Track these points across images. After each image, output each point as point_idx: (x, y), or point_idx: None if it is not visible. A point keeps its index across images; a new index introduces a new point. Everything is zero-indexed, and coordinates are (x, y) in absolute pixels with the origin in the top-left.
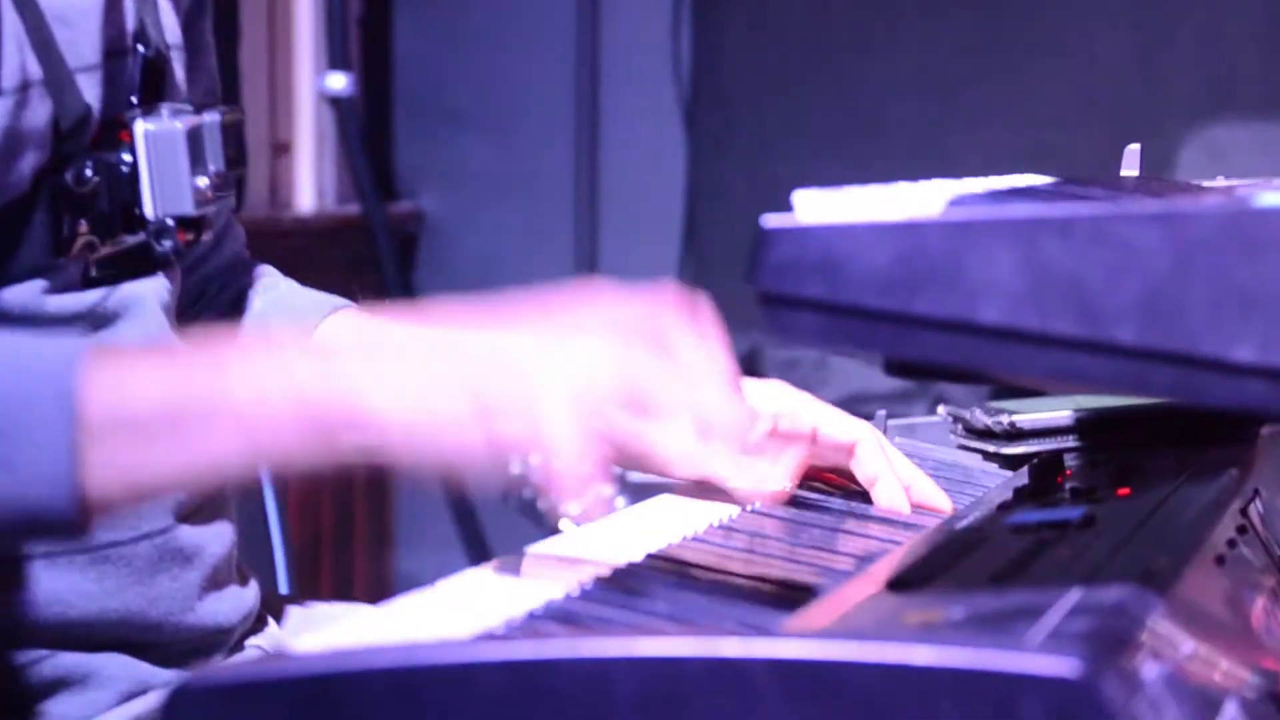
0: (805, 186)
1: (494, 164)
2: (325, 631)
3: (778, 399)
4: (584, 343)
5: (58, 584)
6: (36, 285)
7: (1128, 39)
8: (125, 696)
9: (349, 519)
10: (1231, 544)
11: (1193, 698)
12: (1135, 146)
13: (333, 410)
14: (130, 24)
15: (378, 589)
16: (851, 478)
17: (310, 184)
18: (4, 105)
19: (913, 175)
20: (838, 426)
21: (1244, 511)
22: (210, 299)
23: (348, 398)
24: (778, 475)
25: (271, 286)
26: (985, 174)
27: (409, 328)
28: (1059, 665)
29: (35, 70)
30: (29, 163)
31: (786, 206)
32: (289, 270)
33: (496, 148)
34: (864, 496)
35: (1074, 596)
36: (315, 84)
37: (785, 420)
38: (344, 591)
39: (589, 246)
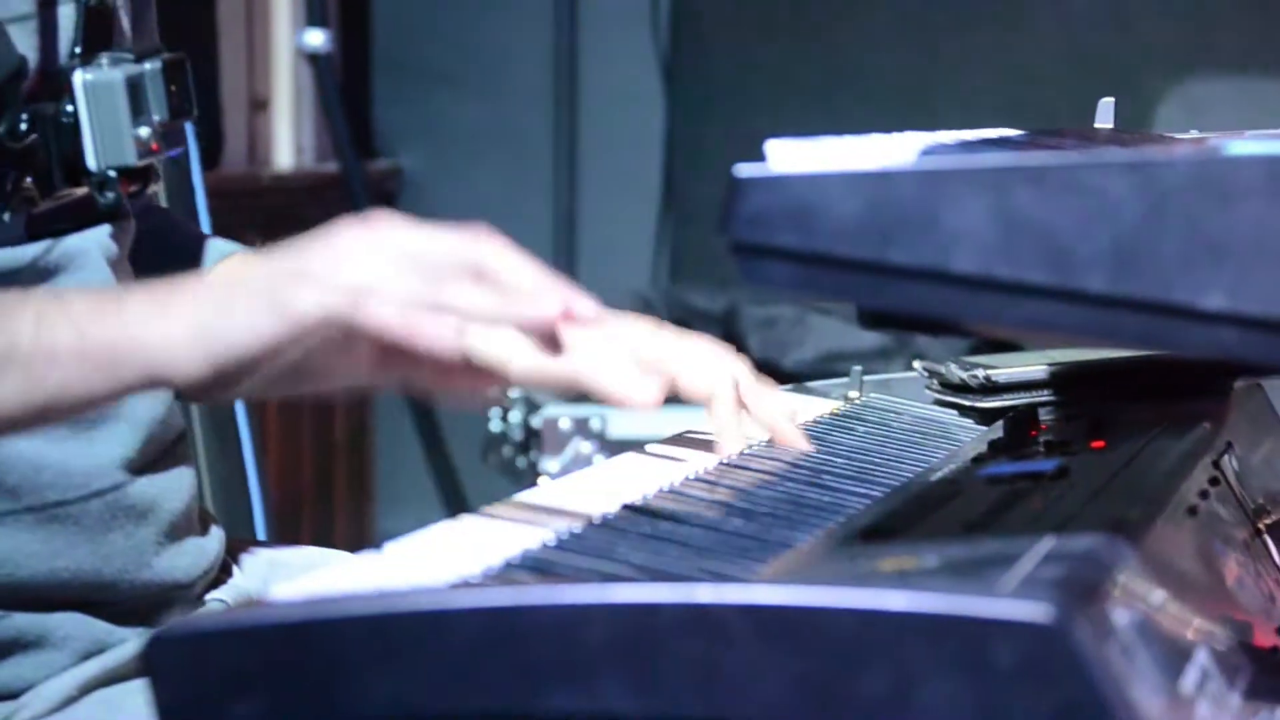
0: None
1: (473, 121)
2: (302, 579)
3: (643, 335)
4: (373, 235)
5: (4, 545)
6: None
7: None
8: (82, 656)
9: (329, 476)
10: (1204, 495)
11: (1163, 645)
12: (1109, 100)
13: (117, 351)
14: None
15: (357, 545)
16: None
17: (289, 141)
18: None
19: (893, 128)
20: (697, 377)
21: (1216, 464)
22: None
23: (130, 338)
24: (647, 385)
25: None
26: (965, 127)
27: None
28: (1031, 610)
29: None
30: None
31: (763, 158)
32: (267, 226)
33: (475, 105)
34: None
35: (1046, 545)
36: (294, 40)
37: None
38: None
39: (568, 203)
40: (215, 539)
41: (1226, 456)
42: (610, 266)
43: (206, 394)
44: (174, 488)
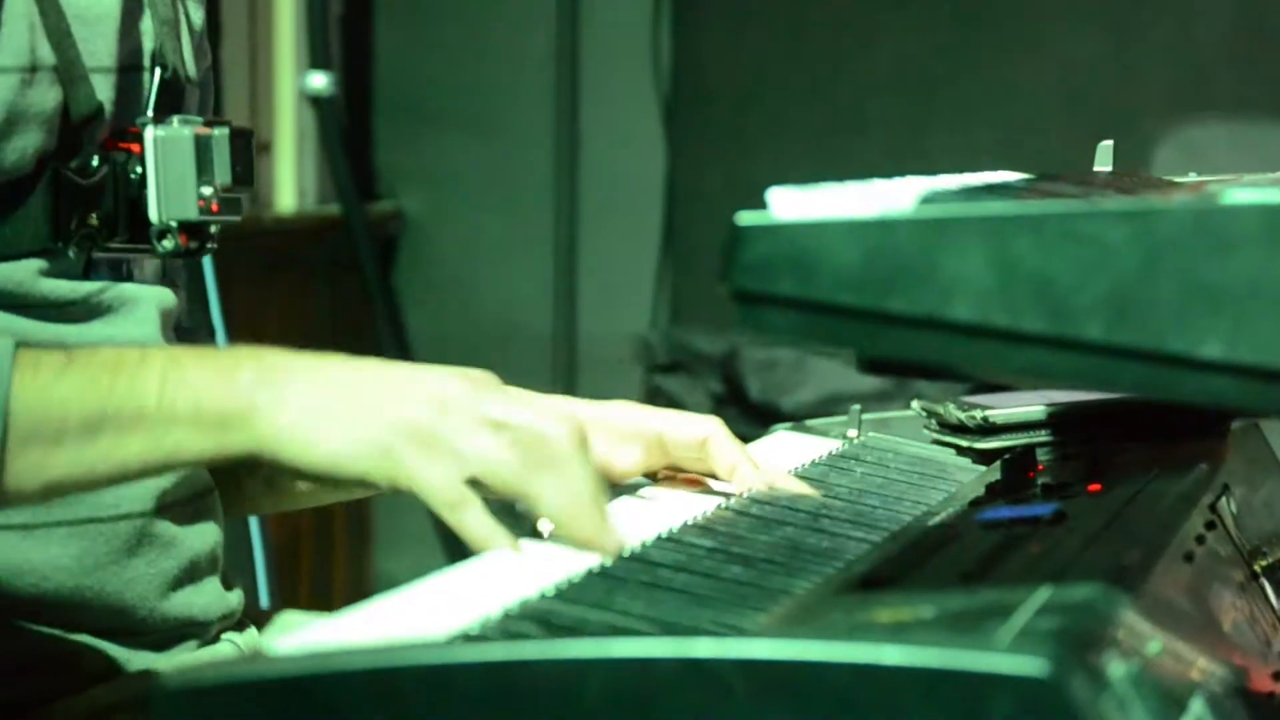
0: (784, 185)
1: (474, 164)
2: (304, 631)
3: (620, 415)
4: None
5: (34, 556)
6: (33, 265)
7: (1103, 38)
8: (97, 679)
9: (328, 517)
10: (1200, 540)
11: (1160, 695)
12: (1108, 143)
13: (230, 421)
14: (149, 43)
15: (356, 587)
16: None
17: (291, 183)
18: (8, 81)
19: (892, 173)
20: (684, 426)
21: (1213, 507)
22: None
23: (243, 411)
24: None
25: None
26: (964, 170)
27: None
28: (1027, 665)
29: (47, 56)
30: (30, 143)
31: (765, 205)
32: (269, 269)
33: (477, 148)
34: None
35: (1043, 594)
36: (296, 83)
37: (628, 429)
38: (323, 587)
39: (569, 246)
40: (237, 596)
41: (1224, 499)
42: (610, 309)
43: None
44: (198, 532)
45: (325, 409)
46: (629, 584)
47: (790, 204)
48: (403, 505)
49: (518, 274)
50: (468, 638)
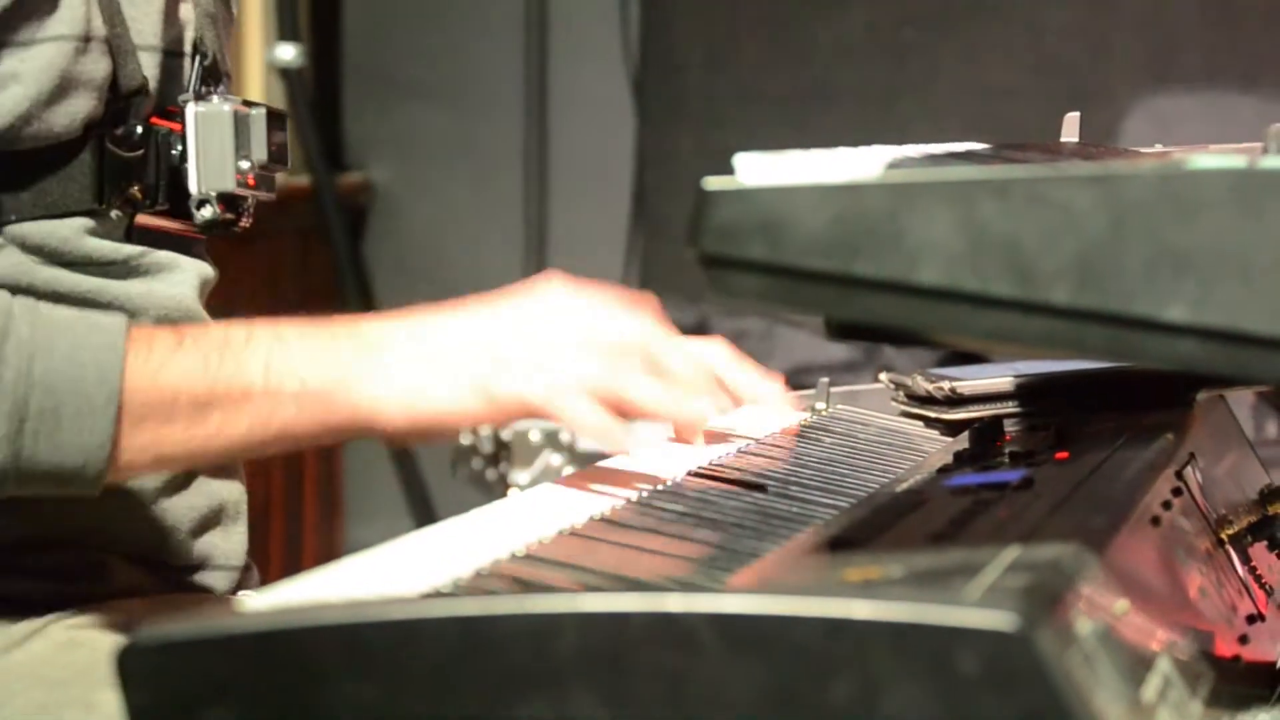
0: (754, 152)
1: (444, 134)
2: (274, 589)
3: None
4: (566, 320)
5: None
6: (79, 224)
7: (1074, 8)
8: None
9: (298, 487)
10: (1167, 505)
11: (1126, 654)
12: (1075, 114)
13: (333, 396)
14: (190, 31)
15: (326, 556)
16: None
17: None
18: (64, 48)
19: (862, 142)
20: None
21: (1179, 474)
22: None
23: (344, 385)
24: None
25: None
26: (933, 140)
27: (393, 321)
28: (995, 619)
29: (99, 28)
30: (80, 108)
31: (733, 171)
32: (240, 240)
33: (446, 118)
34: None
35: (1011, 555)
36: (265, 54)
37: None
38: (293, 557)
39: (539, 216)
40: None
41: (1189, 467)
42: (580, 277)
43: (404, 443)
44: (226, 482)
45: (423, 370)
46: (599, 545)
47: (758, 169)
48: (373, 473)
49: (487, 243)
50: (439, 594)
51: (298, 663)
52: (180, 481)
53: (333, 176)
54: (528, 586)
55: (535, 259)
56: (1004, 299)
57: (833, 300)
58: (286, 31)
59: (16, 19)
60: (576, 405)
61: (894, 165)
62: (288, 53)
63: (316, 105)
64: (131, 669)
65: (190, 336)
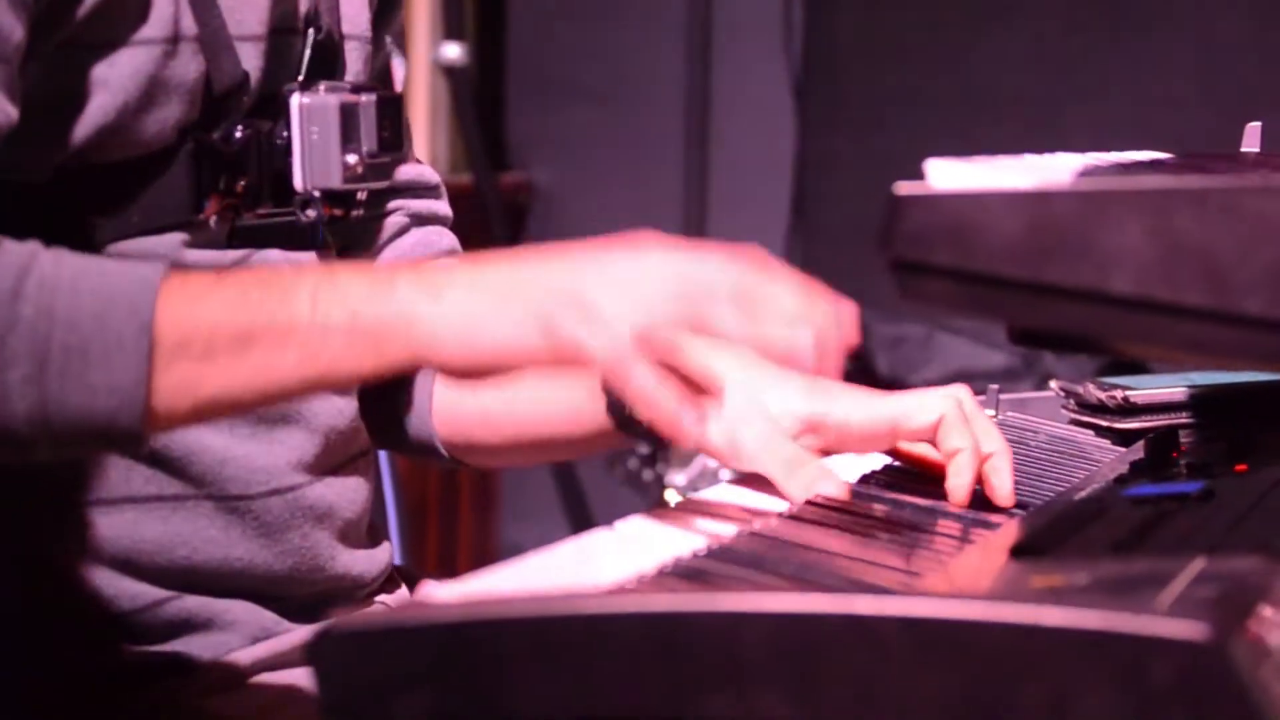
0: (915, 160)
1: (605, 135)
2: (458, 583)
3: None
4: (645, 261)
5: (184, 528)
6: (177, 239)
7: (1244, 20)
8: (251, 640)
9: (455, 487)
10: None
11: None
12: (1256, 124)
13: (387, 331)
14: (304, 6)
15: (481, 558)
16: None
17: (424, 152)
18: (150, 53)
19: (1024, 150)
20: (917, 414)
21: None
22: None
23: (401, 319)
24: (831, 481)
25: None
26: (1097, 150)
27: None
28: (1189, 629)
29: (190, 27)
30: (171, 114)
31: (896, 179)
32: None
33: (608, 119)
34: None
35: (1198, 565)
36: (431, 53)
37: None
38: (449, 557)
39: (698, 218)
40: (384, 550)
41: None
42: None
43: (458, 382)
44: (350, 496)
45: (482, 303)
46: (775, 549)
47: (948, 175)
48: (529, 474)
49: None
50: (624, 590)
51: (486, 654)
52: (288, 514)
53: (494, 175)
54: (714, 584)
55: None
56: (1196, 309)
57: (1022, 307)
58: (452, 30)
59: (101, 23)
60: (635, 370)
61: (1085, 173)
62: (453, 52)
63: (480, 104)
64: (325, 656)
65: (231, 273)
